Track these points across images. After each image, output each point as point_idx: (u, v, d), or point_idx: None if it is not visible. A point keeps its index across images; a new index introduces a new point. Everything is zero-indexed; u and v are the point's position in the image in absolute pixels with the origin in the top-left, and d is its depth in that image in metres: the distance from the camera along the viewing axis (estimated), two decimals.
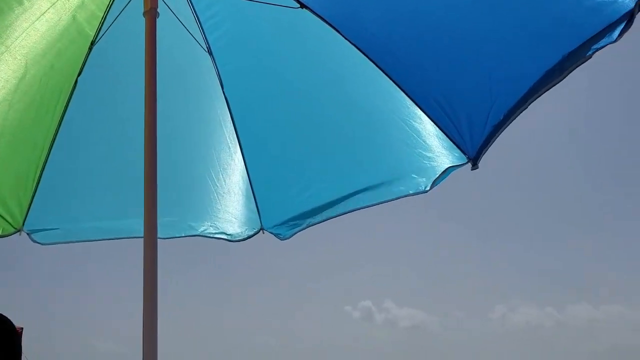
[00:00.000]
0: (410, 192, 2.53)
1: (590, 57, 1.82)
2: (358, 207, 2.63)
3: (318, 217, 2.71)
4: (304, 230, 2.73)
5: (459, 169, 2.44)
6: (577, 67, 1.87)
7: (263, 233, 2.84)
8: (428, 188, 2.49)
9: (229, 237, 2.84)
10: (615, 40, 1.72)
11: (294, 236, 2.75)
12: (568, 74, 1.90)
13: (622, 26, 1.67)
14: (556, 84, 1.94)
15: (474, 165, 2.34)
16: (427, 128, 2.43)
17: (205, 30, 2.44)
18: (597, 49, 1.77)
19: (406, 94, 2.37)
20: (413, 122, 2.46)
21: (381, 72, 2.37)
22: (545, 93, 1.98)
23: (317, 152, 2.70)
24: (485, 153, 2.31)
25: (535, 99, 2.02)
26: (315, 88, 2.60)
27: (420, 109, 2.38)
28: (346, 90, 2.59)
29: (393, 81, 2.37)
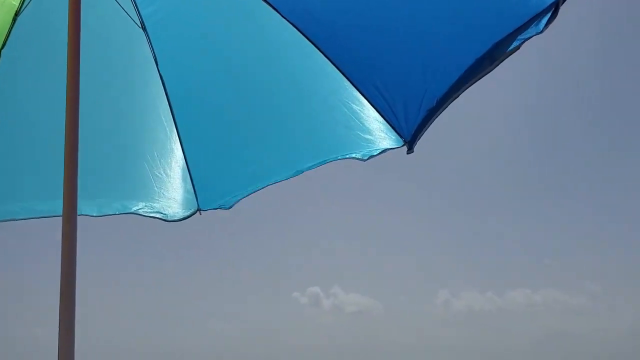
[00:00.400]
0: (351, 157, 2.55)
1: (518, 47, 1.86)
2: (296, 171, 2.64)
3: (255, 187, 2.70)
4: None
5: (396, 152, 2.51)
6: (507, 57, 1.90)
7: (200, 214, 2.81)
8: (366, 158, 2.52)
9: (164, 217, 2.80)
10: (542, 31, 1.76)
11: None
12: (499, 63, 1.93)
13: (547, 16, 1.71)
14: (487, 73, 1.98)
15: (410, 149, 2.39)
16: (366, 110, 2.45)
17: (138, 5, 2.36)
18: (525, 40, 1.81)
19: (345, 76, 2.38)
20: (352, 104, 2.47)
21: (321, 54, 2.37)
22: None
23: (255, 132, 2.69)
24: (423, 138, 2.39)
25: (467, 87, 2.06)
26: (253, 67, 2.58)
27: (359, 91, 2.40)
28: (285, 70, 2.58)
29: (332, 63, 2.38)
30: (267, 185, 2.68)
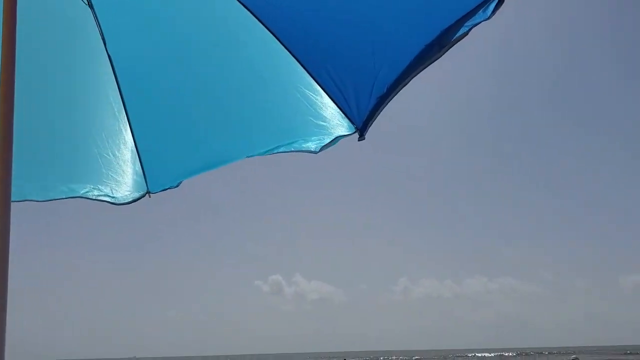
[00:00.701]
0: (301, 148, 2.55)
1: (467, 33, 1.88)
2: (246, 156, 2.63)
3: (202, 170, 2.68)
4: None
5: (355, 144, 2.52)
6: (455, 43, 1.92)
7: (149, 197, 2.76)
8: (318, 150, 2.52)
9: (113, 200, 2.73)
10: (489, 17, 1.78)
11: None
12: (447, 49, 1.95)
13: (495, 3, 1.73)
14: (436, 59, 1.99)
15: (361, 136, 2.40)
16: (319, 97, 2.44)
17: None
18: (473, 26, 1.83)
19: (298, 61, 2.37)
20: (305, 90, 2.46)
21: (275, 39, 2.35)
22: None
23: (206, 116, 2.65)
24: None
25: (416, 74, 2.08)
26: (206, 50, 2.54)
27: (312, 77, 2.40)
28: (239, 55, 2.55)
29: (286, 48, 2.36)
30: (218, 167, 2.66)
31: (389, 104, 2.26)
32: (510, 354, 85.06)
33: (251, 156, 2.59)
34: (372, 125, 2.38)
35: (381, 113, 2.33)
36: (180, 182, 2.68)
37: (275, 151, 2.56)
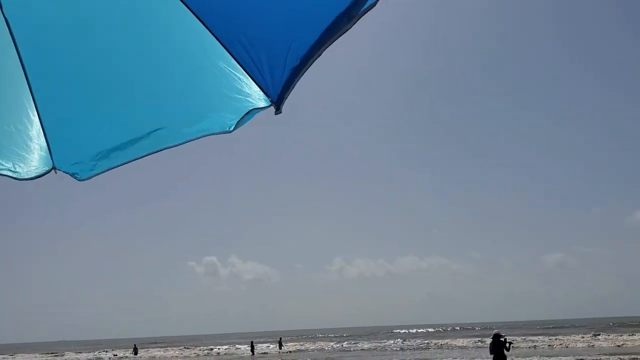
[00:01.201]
0: (215, 131, 2.51)
1: (374, 4, 1.89)
2: (161, 147, 2.57)
3: (120, 159, 2.58)
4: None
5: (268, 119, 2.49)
6: (364, 14, 1.93)
7: (55, 173, 2.63)
8: (232, 128, 2.49)
9: (15, 175, 2.59)
10: None
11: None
12: (356, 21, 1.96)
13: None
14: (346, 31, 2.00)
15: (277, 110, 2.38)
16: (234, 71, 2.39)
17: None
18: None
19: (213, 34, 2.32)
20: (220, 63, 2.41)
21: (188, 11, 2.28)
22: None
23: (116, 89, 2.53)
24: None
25: (328, 46, 2.08)
26: (116, 25, 2.42)
27: (226, 49, 2.35)
28: (151, 30, 2.46)
29: (201, 21, 2.30)
30: (131, 161, 2.57)
31: (304, 76, 2.26)
32: (440, 330, 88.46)
33: (168, 147, 2.51)
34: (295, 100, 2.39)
35: (301, 85, 2.33)
36: (89, 177, 2.59)
37: (193, 137, 2.50)
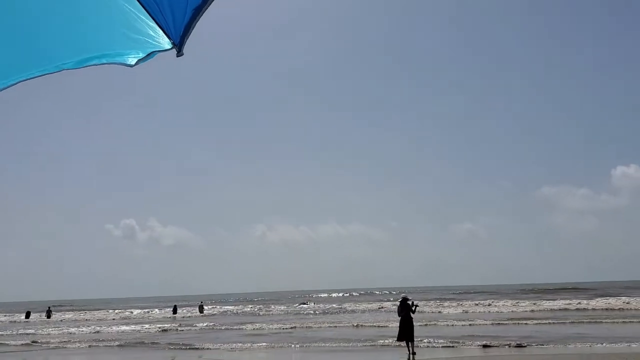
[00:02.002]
0: (116, 61, 2.56)
1: None
2: (59, 69, 2.59)
3: (18, 77, 2.60)
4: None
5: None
6: None
7: None
8: (133, 63, 2.55)
9: None
10: None
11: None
12: None
13: None
14: None
15: (179, 52, 2.45)
16: (136, 10, 2.43)
17: None
18: None
19: None
20: (122, 2, 2.43)
21: None
22: None
23: (14, 23, 2.48)
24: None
25: None
26: None
27: None
28: None
29: None
30: (21, 81, 2.57)
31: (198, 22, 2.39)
32: (356, 294, 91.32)
33: (66, 68, 2.52)
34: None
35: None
36: None
37: (89, 63, 2.53)
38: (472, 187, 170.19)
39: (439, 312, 37.12)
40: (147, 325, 34.23)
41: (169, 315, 48.00)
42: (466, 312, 36.82)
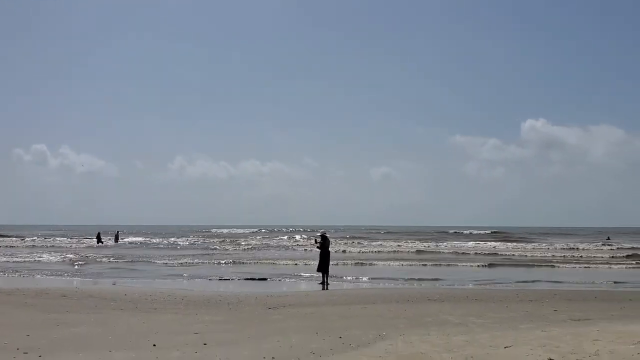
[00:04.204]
0: None
1: None
2: None
3: None
4: None
5: None
6: None
7: None
8: None
9: None
10: None
11: None
12: None
13: None
14: None
15: None
16: None
17: None
18: None
19: None
20: None
21: None
22: None
23: None
24: None
25: None
26: None
27: None
28: None
29: None
30: None
31: None
32: (273, 230, 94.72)
33: None
34: None
35: None
36: None
37: None
38: (389, 132, 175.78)
39: (343, 251, 40.28)
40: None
41: (92, 243, 49.38)
42: (377, 251, 40.22)
